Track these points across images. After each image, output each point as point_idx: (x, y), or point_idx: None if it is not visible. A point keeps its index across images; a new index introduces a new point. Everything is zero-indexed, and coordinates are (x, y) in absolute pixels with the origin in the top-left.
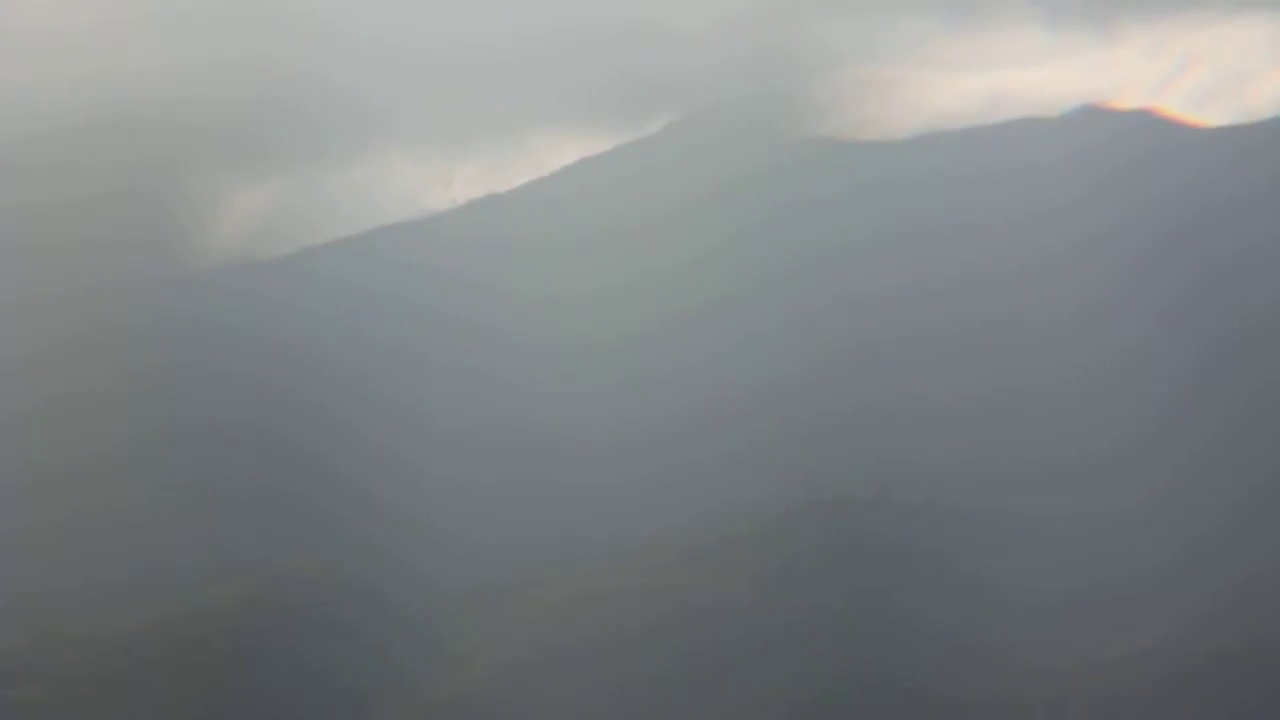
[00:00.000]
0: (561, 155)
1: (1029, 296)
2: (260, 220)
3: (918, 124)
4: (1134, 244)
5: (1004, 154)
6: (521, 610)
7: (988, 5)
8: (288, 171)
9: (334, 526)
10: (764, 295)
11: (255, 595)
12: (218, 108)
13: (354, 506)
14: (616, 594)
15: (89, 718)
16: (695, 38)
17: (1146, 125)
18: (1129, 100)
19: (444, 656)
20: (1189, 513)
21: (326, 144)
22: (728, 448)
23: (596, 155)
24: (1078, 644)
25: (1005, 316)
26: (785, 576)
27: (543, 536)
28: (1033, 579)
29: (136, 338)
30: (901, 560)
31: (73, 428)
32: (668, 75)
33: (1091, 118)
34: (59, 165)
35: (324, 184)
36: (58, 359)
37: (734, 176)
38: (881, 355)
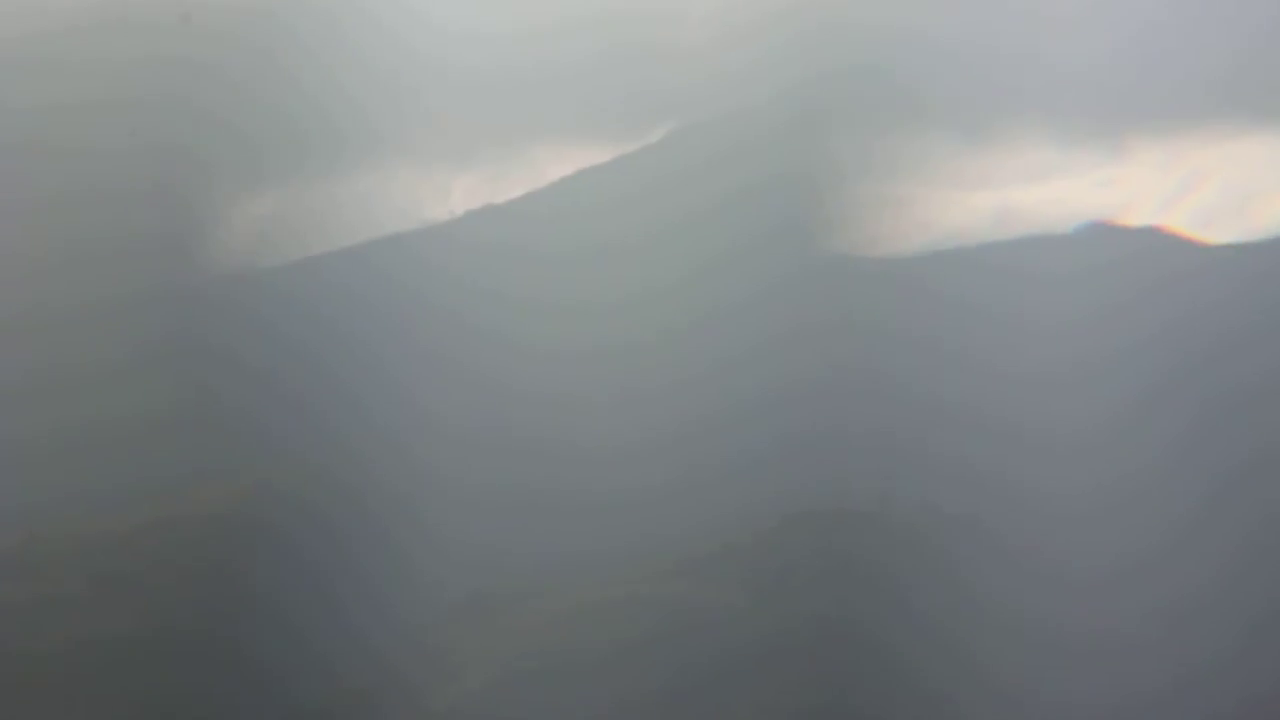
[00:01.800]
0: (561, 166)
1: (1033, 413)
2: (258, 230)
3: (926, 241)
4: (1141, 364)
5: (1012, 271)
6: (521, 619)
7: (997, 122)
8: (285, 182)
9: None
10: (764, 307)
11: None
12: (216, 116)
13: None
14: (616, 604)
15: (83, 616)
16: (697, 50)
17: (1154, 243)
18: (1137, 217)
19: (442, 665)
20: (1189, 635)
21: (325, 155)
22: (725, 458)
23: (596, 166)
24: None
25: (1009, 431)
26: (784, 587)
27: (539, 545)
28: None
29: (137, 352)
30: (901, 572)
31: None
32: (669, 87)
33: (1100, 235)
34: (59, 166)
35: (322, 195)
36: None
37: (735, 188)
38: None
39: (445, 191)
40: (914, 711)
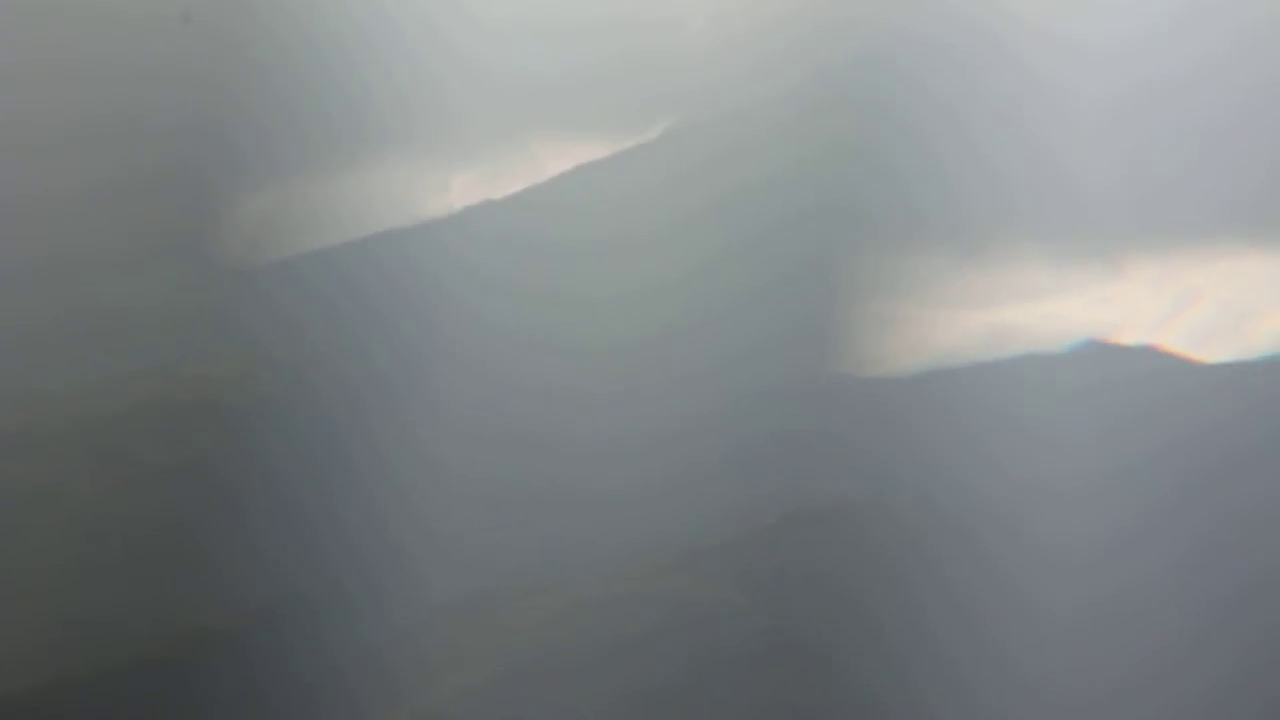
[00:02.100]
0: (560, 161)
1: (1027, 533)
2: (255, 226)
3: (920, 361)
4: (1138, 484)
5: (1007, 390)
6: (519, 615)
7: (993, 241)
8: (283, 178)
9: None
10: (762, 304)
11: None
12: (213, 112)
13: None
14: (615, 599)
15: (82, 493)
16: (697, 49)
17: (1151, 361)
18: (1133, 335)
19: (440, 661)
20: None
21: (322, 150)
22: (723, 454)
23: (595, 161)
24: None
25: (1002, 551)
26: (781, 583)
27: (537, 540)
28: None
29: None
30: (898, 568)
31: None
32: (668, 83)
33: (1096, 353)
34: (57, 171)
35: (320, 190)
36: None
37: (733, 185)
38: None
39: (444, 186)
40: (912, 708)
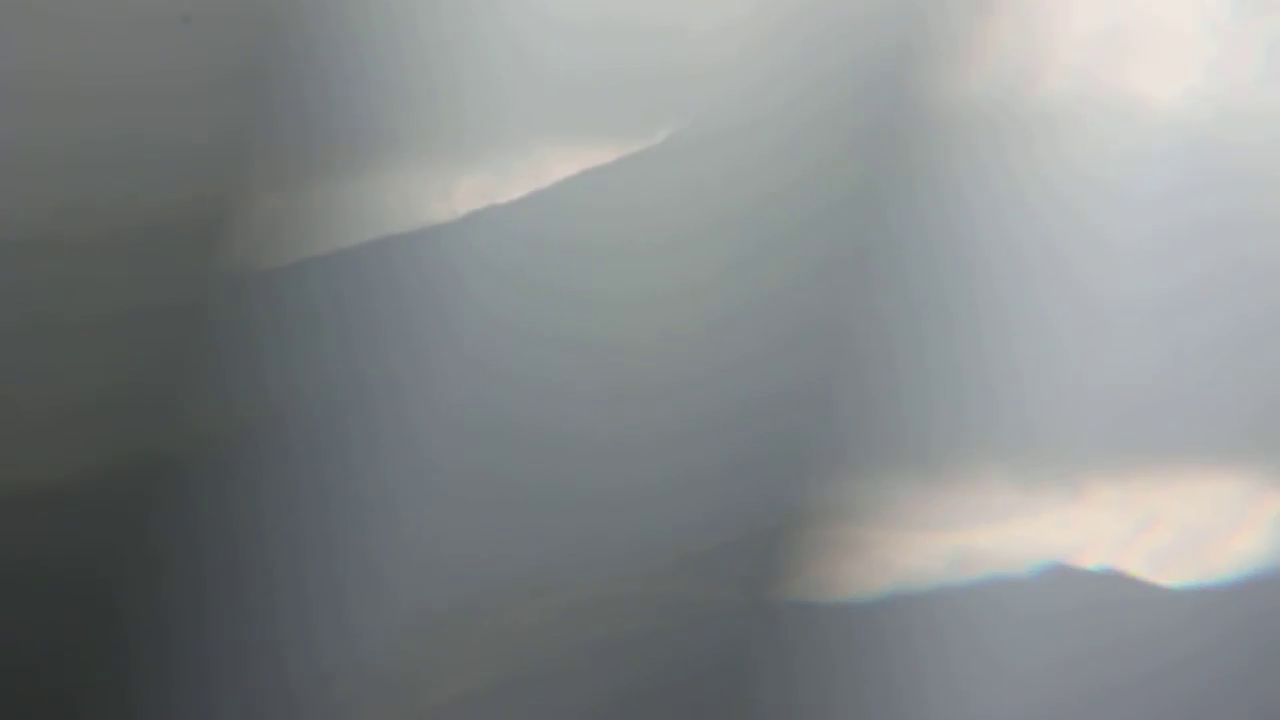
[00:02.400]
0: (565, 166)
1: None
2: (259, 231)
3: (882, 583)
4: (1100, 715)
5: (971, 614)
6: (522, 618)
7: (955, 464)
8: (287, 183)
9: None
10: (769, 308)
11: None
12: (217, 116)
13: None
14: (615, 601)
15: (114, 287)
16: (701, 50)
17: (1113, 584)
18: (1096, 558)
19: (441, 667)
20: None
21: (326, 155)
22: (724, 456)
23: (600, 166)
24: None
25: None
26: (782, 584)
27: (540, 541)
28: None
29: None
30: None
31: None
32: (674, 87)
33: (1059, 576)
34: (61, 176)
35: (324, 195)
36: None
37: (741, 191)
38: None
39: (448, 191)
40: (911, 709)
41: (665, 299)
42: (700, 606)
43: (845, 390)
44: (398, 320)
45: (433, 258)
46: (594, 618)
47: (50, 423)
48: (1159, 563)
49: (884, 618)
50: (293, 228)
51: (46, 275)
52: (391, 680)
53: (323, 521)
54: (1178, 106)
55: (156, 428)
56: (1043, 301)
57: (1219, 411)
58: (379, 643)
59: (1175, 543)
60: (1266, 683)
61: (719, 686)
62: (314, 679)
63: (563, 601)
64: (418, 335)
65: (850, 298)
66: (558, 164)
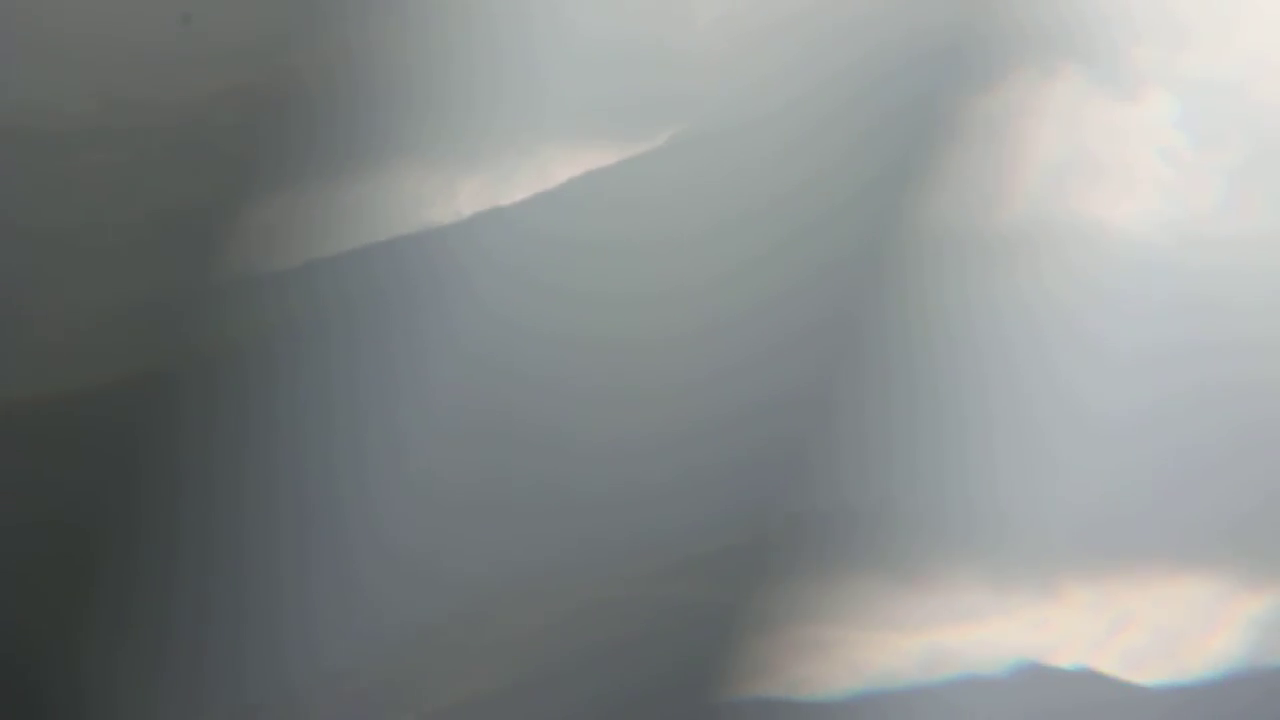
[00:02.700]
0: (567, 168)
1: None
2: (262, 233)
3: (854, 683)
4: None
5: (943, 713)
6: (524, 621)
7: (929, 563)
8: (290, 185)
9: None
10: (771, 310)
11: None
12: (220, 118)
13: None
14: (618, 603)
15: (158, 183)
16: (705, 53)
17: (1086, 684)
18: (1069, 657)
19: (444, 672)
20: None
21: (330, 157)
22: (727, 458)
23: (603, 168)
24: None
25: None
26: (786, 586)
27: (542, 544)
28: None
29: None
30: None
31: None
32: (677, 88)
33: (1032, 676)
34: (65, 176)
35: (327, 197)
36: None
37: (745, 192)
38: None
39: (451, 193)
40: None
41: (668, 299)
42: (701, 609)
43: (834, 461)
44: (403, 321)
45: (438, 258)
46: (595, 621)
47: (93, 324)
48: (1133, 662)
49: (857, 717)
50: (297, 230)
51: (93, 166)
52: (395, 686)
53: (326, 528)
54: (1139, 232)
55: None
56: (1020, 408)
57: (1192, 516)
58: (379, 651)
59: (1150, 643)
60: None
61: (718, 689)
62: (311, 689)
63: (564, 606)
64: (423, 335)
65: (836, 366)
66: (561, 165)
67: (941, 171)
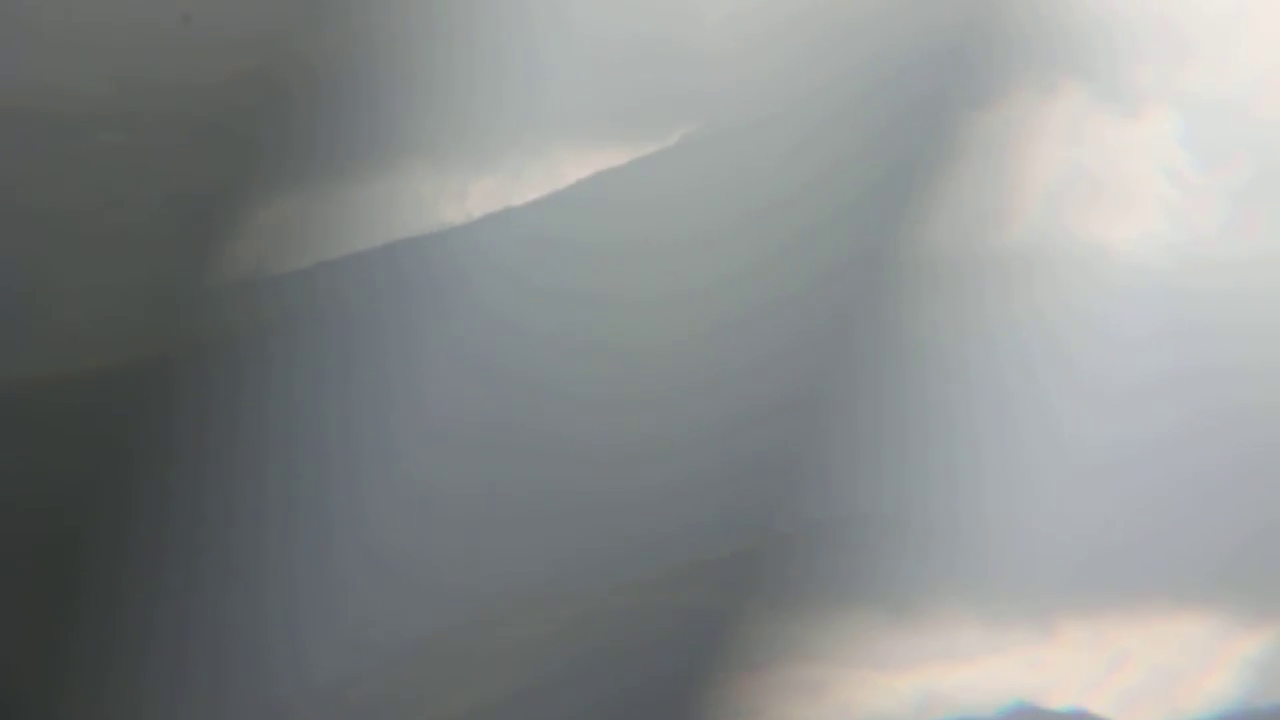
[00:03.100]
0: (578, 168)
1: None
2: (273, 234)
3: None
4: None
5: None
6: (528, 629)
7: (922, 601)
8: (302, 185)
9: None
10: (782, 310)
11: None
12: (237, 103)
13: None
14: (625, 611)
15: (171, 166)
16: (716, 52)
17: None
18: (1064, 698)
19: (448, 680)
20: None
21: (340, 158)
22: (732, 462)
23: (613, 168)
24: None
25: None
26: (797, 592)
27: (546, 550)
28: None
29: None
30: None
31: None
32: (688, 87)
33: (1025, 716)
34: (76, 158)
35: (337, 198)
36: None
37: (755, 192)
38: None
39: (462, 193)
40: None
41: (679, 301)
42: (707, 615)
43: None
44: (411, 322)
45: (447, 260)
46: (598, 628)
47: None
48: (1128, 703)
49: None
50: (308, 230)
51: (107, 149)
52: (390, 701)
53: (318, 534)
54: (1142, 255)
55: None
56: (1014, 441)
57: (1188, 553)
58: (374, 664)
59: (1145, 683)
60: None
61: (724, 693)
62: (300, 704)
63: (566, 613)
64: (435, 339)
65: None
66: (571, 166)
67: (941, 186)
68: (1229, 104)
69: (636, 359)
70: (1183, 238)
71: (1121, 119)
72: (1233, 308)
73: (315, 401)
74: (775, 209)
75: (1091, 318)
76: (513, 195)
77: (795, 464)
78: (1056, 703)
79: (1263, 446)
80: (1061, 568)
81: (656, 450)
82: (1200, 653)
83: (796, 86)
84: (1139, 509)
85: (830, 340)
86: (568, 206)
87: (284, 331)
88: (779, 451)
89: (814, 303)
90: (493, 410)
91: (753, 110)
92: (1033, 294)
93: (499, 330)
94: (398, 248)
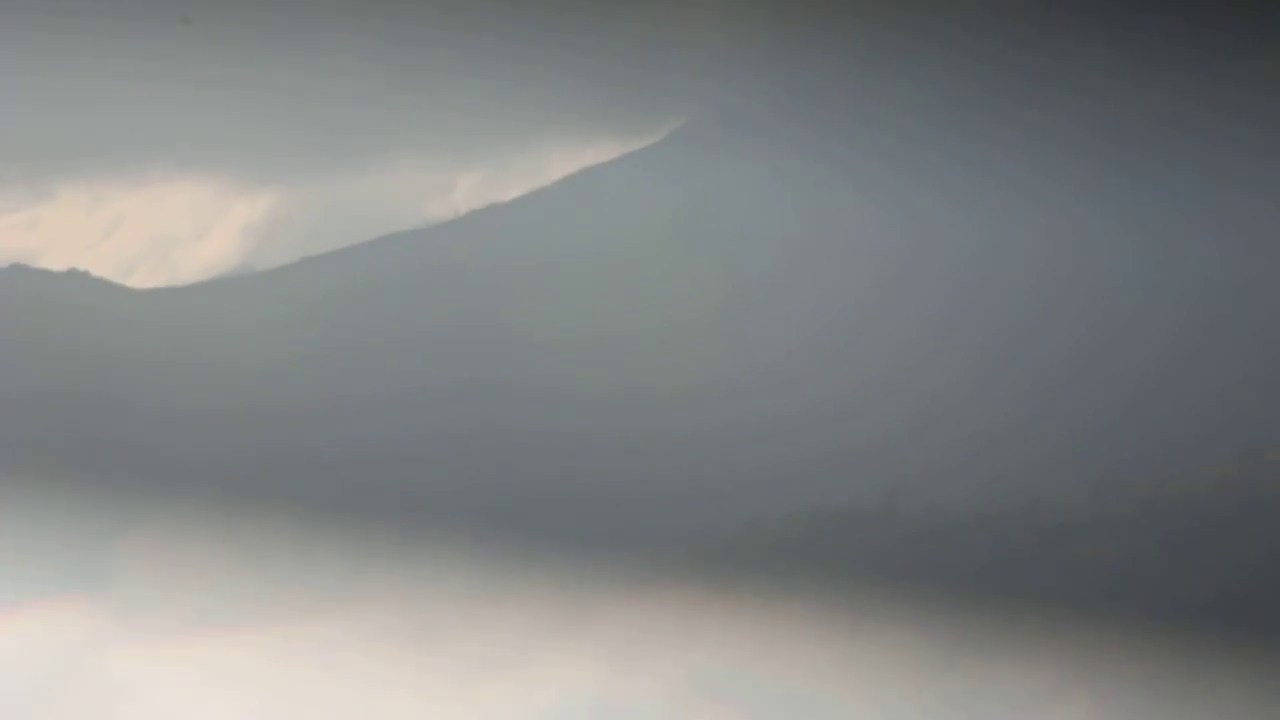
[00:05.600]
0: (565, 164)
1: None
2: (258, 229)
3: None
4: None
5: None
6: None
7: None
8: (288, 180)
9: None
10: (771, 303)
11: None
12: (215, 115)
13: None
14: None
15: None
16: (705, 47)
17: (78, 284)
18: (60, 260)
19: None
20: None
21: (324, 152)
22: (732, 459)
23: (601, 163)
24: None
25: None
26: (790, 585)
27: (541, 544)
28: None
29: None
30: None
31: None
32: (673, 83)
33: (22, 278)
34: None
35: (324, 192)
36: None
37: (741, 185)
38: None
39: (449, 188)
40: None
41: (672, 297)
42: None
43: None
44: (401, 317)
45: (434, 254)
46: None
47: None
48: (127, 266)
49: None
50: (295, 226)
51: None
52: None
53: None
54: None
55: None
56: None
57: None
58: None
59: (144, 247)
60: None
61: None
62: None
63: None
64: (423, 335)
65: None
66: (558, 162)
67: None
68: None
69: (627, 358)
70: None
71: None
72: None
73: (311, 395)
74: (769, 205)
75: None
76: (500, 191)
77: (786, 459)
78: (54, 264)
79: None
80: (58, 129)
81: (648, 447)
82: (199, 217)
83: (787, 79)
84: None
85: (822, 337)
86: (554, 202)
87: (279, 325)
88: (776, 454)
89: (806, 300)
90: (479, 407)
91: (742, 103)
92: None
93: (486, 327)
94: (386, 242)
